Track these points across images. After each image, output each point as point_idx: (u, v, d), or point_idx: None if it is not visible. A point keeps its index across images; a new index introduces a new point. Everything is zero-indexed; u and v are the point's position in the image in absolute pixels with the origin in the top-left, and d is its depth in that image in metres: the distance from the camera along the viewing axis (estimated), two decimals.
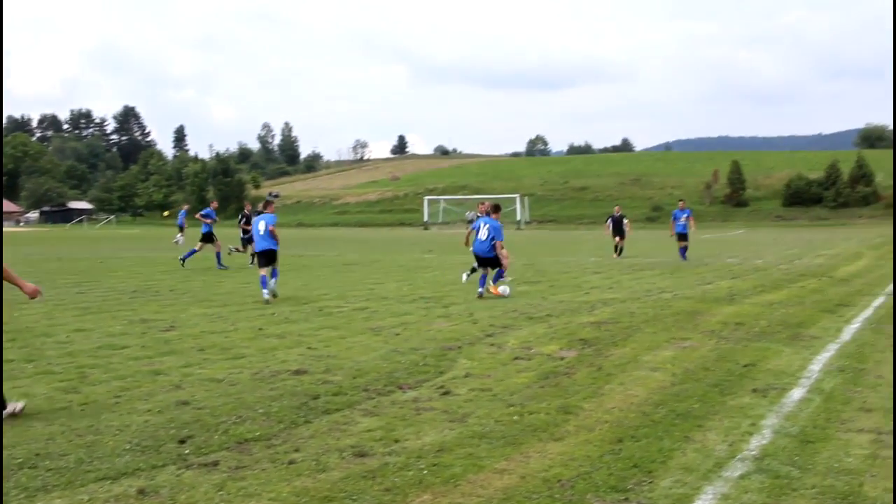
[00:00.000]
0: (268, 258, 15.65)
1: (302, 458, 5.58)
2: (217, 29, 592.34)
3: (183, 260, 24.07)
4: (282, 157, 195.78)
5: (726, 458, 5.58)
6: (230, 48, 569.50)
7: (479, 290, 15.60)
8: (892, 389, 7.55)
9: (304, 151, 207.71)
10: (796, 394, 7.43)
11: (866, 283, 17.81)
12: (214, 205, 26.75)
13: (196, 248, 24.67)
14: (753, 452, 5.68)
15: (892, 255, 27.09)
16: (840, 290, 16.16)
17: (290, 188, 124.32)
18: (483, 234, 15.77)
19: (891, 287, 16.74)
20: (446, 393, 7.55)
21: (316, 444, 5.94)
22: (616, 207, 29.78)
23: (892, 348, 9.61)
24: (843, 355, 9.24)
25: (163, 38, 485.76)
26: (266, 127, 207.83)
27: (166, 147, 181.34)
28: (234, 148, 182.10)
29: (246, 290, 16.93)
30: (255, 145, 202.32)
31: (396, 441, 5.99)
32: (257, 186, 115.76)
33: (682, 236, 25.79)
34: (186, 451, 5.73)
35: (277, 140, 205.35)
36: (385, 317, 12.82)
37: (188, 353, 9.64)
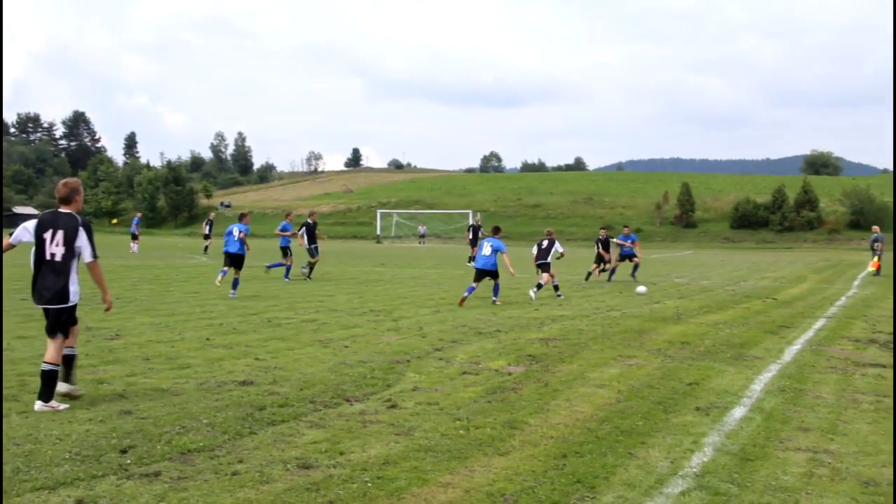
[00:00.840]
0: (234, 260, 18.86)
1: (245, 470, 5.53)
2: (171, 35, 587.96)
3: (287, 276, 23.49)
4: (234, 166, 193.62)
5: (668, 474, 5.65)
6: (184, 55, 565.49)
7: (465, 294, 17.51)
8: (830, 411, 7.72)
9: (258, 162, 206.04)
10: (738, 412, 7.56)
11: (808, 305, 18.17)
12: (291, 217, 25.40)
13: (288, 262, 23.80)
14: (694, 469, 5.76)
15: (833, 280, 27.69)
16: (783, 312, 16.46)
17: (243, 198, 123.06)
18: (487, 250, 18.09)
19: (833, 310, 17.11)
20: (393, 406, 7.55)
21: (260, 455, 5.90)
22: (601, 231, 27.83)
23: (829, 370, 9.84)
24: (783, 376, 9.42)
25: (115, 43, 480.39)
26: (219, 136, 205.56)
27: (117, 154, 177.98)
28: (185, 156, 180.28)
29: (194, 300, 16.74)
30: (207, 154, 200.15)
31: (342, 453, 5.97)
32: (209, 196, 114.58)
33: (630, 257, 25.94)
34: (128, 462, 5.66)
35: (230, 150, 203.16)
36: (334, 329, 12.77)
37: (133, 362, 9.52)
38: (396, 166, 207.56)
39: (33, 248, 7.40)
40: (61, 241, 7.31)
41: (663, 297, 19.73)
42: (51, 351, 7.32)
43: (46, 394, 7.19)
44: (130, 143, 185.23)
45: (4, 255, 7.57)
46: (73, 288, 7.43)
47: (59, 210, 7.49)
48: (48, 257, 7.32)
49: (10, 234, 7.50)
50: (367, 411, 7.34)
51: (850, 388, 8.74)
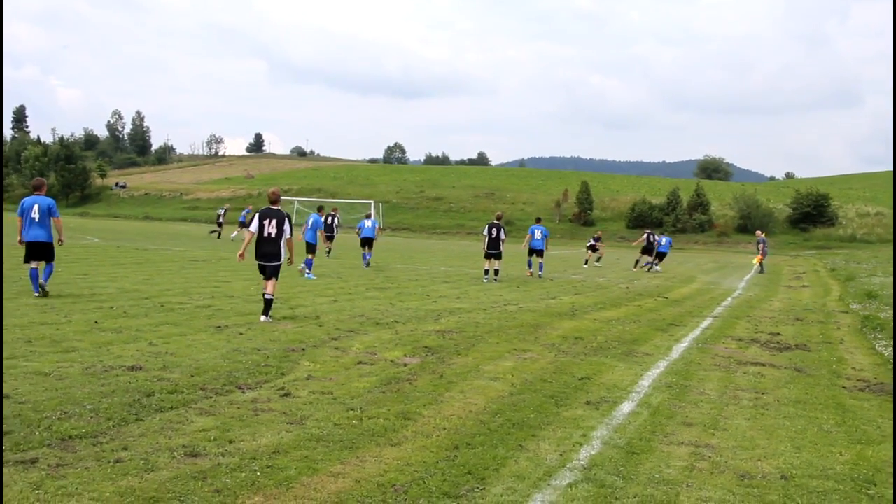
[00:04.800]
0: (308, 248, 22.06)
1: (129, 457, 5.38)
2: (63, 5, 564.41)
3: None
4: (132, 146, 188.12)
5: (556, 467, 5.75)
6: (79, 28, 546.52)
7: (530, 270, 25.52)
8: (713, 406, 7.99)
9: (156, 142, 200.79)
10: (626, 407, 7.75)
11: (697, 305, 18.75)
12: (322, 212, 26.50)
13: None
14: (582, 462, 5.88)
15: (720, 281, 28.63)
16: (673, 311, 16.95)
17: (140, 179, 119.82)
18: (538, 235, 25.01)
19: (719, 309, 17.70)
20: (286, 395, 7.47)
21: (146, 442, 5.74)
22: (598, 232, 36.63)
23: (713, 367, 10.18)
24: (670, 372, 9.70)
25: None
26: (116, 114, 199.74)
27: (4, 128, 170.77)
28: (79, 133, 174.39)
29: (83, 282, 16.21)
30: (103, 132, 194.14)
31: (231, 442, 5.87)
32: (103, 175, 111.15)
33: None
34: (3, 448, 5.43)
35: (128, 129, 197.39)
36: (229, 315, 12.55)
37: (14, 344, 9.12)
38: (300, 153, 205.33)
39: (256, 229, 12.33)
40: (275, 226, 12.38)
41: (559, 293, 20.06)
42: (269, 287, 12.37)
43: (266, 311, 12.37)
44: (19, 117, 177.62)
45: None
46: (282, 252, 12.50)
47: (271, 207, 12.54)
48: (266, 235, 12.35)
49: (250, 224, 12.50)
50: (260, 399, 7.24)
51: (732, 385, 9.06)
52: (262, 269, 12.52)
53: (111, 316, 11.83)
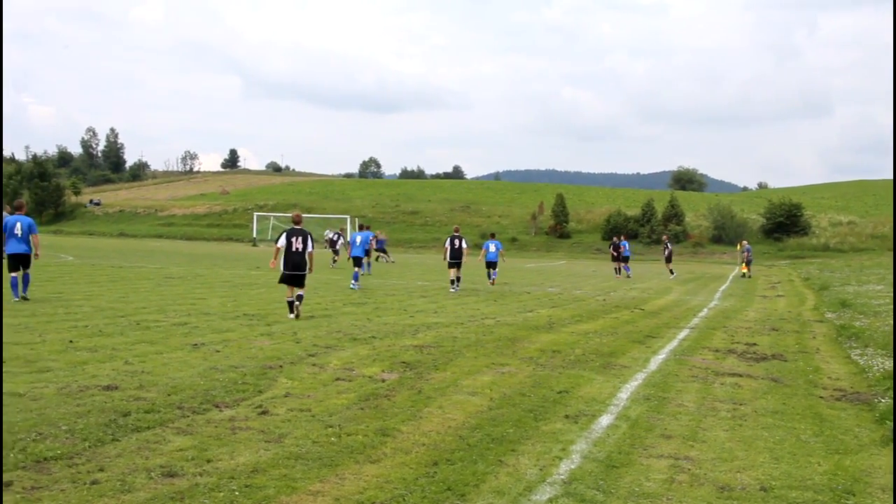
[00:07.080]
0: (357, 262, 25.99)
1: (106, 479, 5.32)
2: (34, 23, 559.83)
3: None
4: (106, 163, 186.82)
5: (536, 481, 5.74)
6: (50, 45, 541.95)
7: (490, 280, 27.25)
8: (691, 418, 8.02)
9: (130, 159, 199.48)
10: (605, 420, 7.76)
11: (674, 316, 18.84)
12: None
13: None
14: (562, 476, 5.88)
15: (696, 292, 28.78)
16: (650, 322, 17.02)
17: (114, 196, 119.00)
18: (492, 248, 27.06)
19: (696, 320, 17.80)
20: (264, 412, 7.42)
21: (123, 463, 5.69)
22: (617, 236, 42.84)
23: (691, 379, 10.23)
24: (648, 384, 9.73)
25: None
26: (90, 131, 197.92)
27: None
28: (53, 151, 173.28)
29: (58, 301, 16.06)
30: (76, 149, 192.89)
31: (209, 461, 5.82)
32: (77, 193, 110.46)
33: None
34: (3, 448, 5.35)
35: (102, 146, 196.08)
36: (206, 333, 12.47)
37: None
38: (275, 169, 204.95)
39: (284, 244, 15.29)
40: (301, 242, 15.29)
41: (536, 305, 20.10)
42: (298, 292, 15.30)
43: (299, 301, 15.37)
44: None
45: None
46: (308, 264, 15.41)
47: (295, 227, 15.58)
48: (294, 249, 15.23)
49: (277, 241, 15.55)
50: (237, 417, 7.19)
51: (710, 397, 9.10)
52: (291, 279, 15.19)
53: (86, 335, 11.72)
